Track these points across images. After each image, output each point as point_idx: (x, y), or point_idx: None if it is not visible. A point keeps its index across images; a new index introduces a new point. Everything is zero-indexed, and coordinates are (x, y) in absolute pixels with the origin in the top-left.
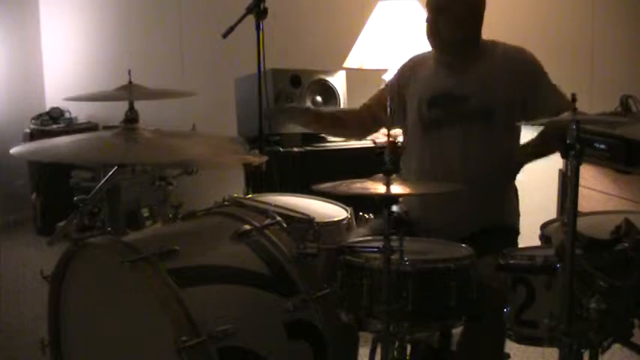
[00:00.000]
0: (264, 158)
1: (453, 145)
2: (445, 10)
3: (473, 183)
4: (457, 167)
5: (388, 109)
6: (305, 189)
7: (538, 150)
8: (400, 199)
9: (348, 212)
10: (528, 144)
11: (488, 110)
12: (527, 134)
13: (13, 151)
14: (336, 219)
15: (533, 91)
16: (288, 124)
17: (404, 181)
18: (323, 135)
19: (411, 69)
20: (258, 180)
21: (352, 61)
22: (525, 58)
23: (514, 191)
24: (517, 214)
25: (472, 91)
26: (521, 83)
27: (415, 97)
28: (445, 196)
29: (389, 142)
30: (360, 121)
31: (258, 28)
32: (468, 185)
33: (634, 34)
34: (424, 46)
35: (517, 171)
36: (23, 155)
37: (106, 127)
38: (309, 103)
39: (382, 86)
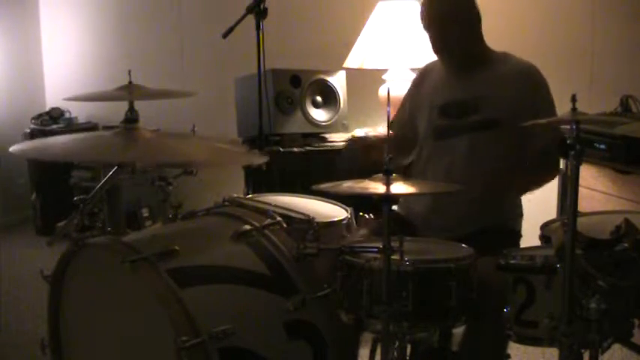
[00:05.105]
0: (265, 158)
1: (461, 153)
2: (451, 21)
3: (477, 188)
4: (462, 174)
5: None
6: (305, 189)
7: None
8: (401, 200)
9: (348, 212)
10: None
11: (496, 121)
12: None
13: (12, 149)
14: (336, 219)
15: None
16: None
17: (404, 180)
18: (323, 135)
19: (422, 77)
20: (258, 180)
21: (352, 61)
22: (539, 80)
23: (518, 197)
24: (520, 218)
25: (481, 101)
26: (533, 99)
27: (426, 103)
28: (446, 197)
29: (389, 141)
30: (400, 145)
31: (258, 28)
32: (472, 190)
33: (634, 34)
34: (423, 47)
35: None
36: (22, 153)
37: (106, 127)
38: (309, 103)
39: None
